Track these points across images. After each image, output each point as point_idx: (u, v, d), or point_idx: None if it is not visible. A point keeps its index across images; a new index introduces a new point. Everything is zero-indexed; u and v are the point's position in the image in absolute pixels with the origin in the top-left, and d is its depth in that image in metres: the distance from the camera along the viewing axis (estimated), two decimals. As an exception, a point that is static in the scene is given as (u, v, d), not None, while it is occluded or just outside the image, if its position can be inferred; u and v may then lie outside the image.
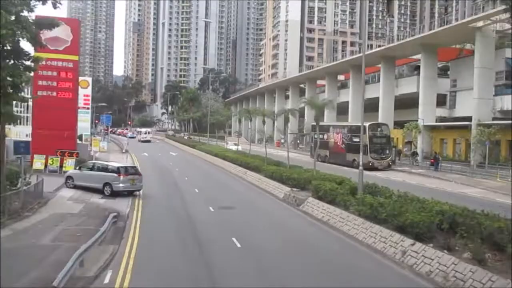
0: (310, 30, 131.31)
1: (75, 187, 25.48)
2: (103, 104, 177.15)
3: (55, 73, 33.56)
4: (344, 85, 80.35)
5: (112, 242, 14.74)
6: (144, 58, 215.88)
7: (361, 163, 19.46)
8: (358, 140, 42.19)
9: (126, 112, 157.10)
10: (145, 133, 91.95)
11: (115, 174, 24.48)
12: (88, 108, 67.21)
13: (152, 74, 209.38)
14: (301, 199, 21.63)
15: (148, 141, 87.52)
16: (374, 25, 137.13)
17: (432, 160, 40.16)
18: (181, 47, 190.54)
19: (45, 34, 35.61)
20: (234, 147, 55.20)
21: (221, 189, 28.78)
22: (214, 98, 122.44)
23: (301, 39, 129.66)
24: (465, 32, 45.38)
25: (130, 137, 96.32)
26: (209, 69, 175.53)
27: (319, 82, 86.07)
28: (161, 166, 43.39)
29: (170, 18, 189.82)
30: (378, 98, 62.44)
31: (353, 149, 42.56)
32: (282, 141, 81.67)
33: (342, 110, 67.44)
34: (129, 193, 24.51)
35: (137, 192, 25.05)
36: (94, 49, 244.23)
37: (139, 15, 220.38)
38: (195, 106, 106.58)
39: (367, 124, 41.40)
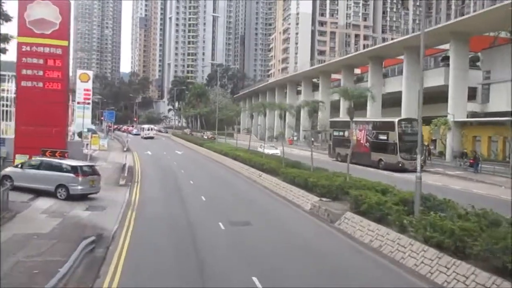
0: (322, 23, 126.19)
1: (15, 189, 19.85)
2: (104, 99, 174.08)
3: (41, 61, 29.00)
4: (360, 79, 75.40)
5: (80, 284, 10.21)
6: (151, 54, 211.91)
7: (418, 168, 14.64)
8: (384, 138, 37.49)
9: (133, 108, 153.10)
10: (148, 130, 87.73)
11: (71, 175, 20.35)
12: (88, 103, 62.97)
13: (159, 70, 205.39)
14: (336, 214, 16.91)
15: (151, 138, 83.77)
16: (388, 18, 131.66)
17: (472, 160, 35.23)
18: (189, 43, 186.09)
19: (30, 16, 31.45)
20: (272, 151, 43.95)
21: (233, 197, 24.20)
22: (222, 94, 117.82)
23: (313, 32, 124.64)
24: (501, 17, 40.22)
25: (135, 134, 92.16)
26: (217, 65, 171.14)
27: (334, 76, 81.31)
28: (164, 166, 38.90)
29: (178, 13, 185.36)
30: (399, 92, 57.74)
31: (379, 148, 37.85)
32: (295, 138, 76.95)
33: (358, 105, 62.34)
34: (84, 197, 20.60)
35: (95, 195, 21.32)
36: (101, 45, 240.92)
37: (146, 10, 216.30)
38: (202, 102, 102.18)
39: (396, 120, 36.65)
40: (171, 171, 35.30)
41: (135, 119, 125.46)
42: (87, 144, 53.26)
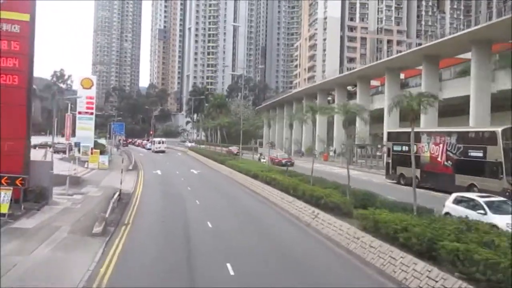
0: (351, 28, 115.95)
1: None
2: (121, 112, 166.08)
3: (-13, 43, 19.62)
4: (404, 85, 64.65)
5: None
6: (170, 66, 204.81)
7: None
8: (479, 154, 26.65)
9: (151, 122, 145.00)
10: (159, 143, 78.67)
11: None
12: (91, 114, 53.78)
13: (178, 83, 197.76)
14: None
15: (163, 152, 75.27)
16: (423, 22, 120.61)
17: None
18: (208, 53, 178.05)
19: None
20: None
21: (279, 262, 13.77)
22: (244, 105, 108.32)
23: (342, 38, 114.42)
24: None
25: (148, 149, 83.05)
26: (237, 76, 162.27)
27: (372, 83, 70.91)
28: (174, 193, 28.86)
29: (197, 23, 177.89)
30: (459, 98, 47.07)
31: (470, 168, 27.03)
32: (332, 153, 66.27)
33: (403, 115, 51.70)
34: None
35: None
36: (120, 58, 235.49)
37: (165, 21, 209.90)
38: (223, 113, 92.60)
39: (499, 130, 25.74)
40: (181, 202, 25.22)
41: (151, 132, 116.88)
42: (85, 162, 44.07)
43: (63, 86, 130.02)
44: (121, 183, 27.54)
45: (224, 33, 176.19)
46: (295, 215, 20.29)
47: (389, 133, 38.76)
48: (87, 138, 52.93)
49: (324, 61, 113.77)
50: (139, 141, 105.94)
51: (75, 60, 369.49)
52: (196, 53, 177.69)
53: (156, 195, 28.05)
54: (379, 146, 53.24)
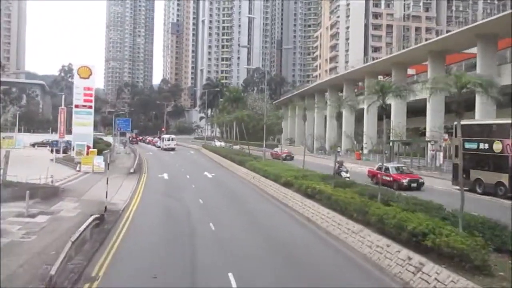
0: (376, 15, 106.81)
1: None
2: (132, 109, 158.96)
3: None
4: (448, 72, 55.83)
5: None
6: (183, 60, 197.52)
7: None
8: None
9: (164, 118, 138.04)
10: (169, 140, 71.38)
11: None
12: (90, 107, 46.32)
13: (192, 78, 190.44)
14: None
15: (172, 149, 68.33)
16: (454, 8, 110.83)
17: None
18: (223, 47, 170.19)
19: None
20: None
21: None
22: (261, 98, 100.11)
23: (366, 26, 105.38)
24: None
25: (159, 147, 75.66)
26: (253, 69, 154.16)
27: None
28: (180, 213, 20.69)
29: (211, 15, 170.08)
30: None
31: None
32: (366, 151, 57.81)
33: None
34: None
35: None
36: (133, 54, 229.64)
37: (178, 15, 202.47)
38: (239, 108, 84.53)
39: None
40: (189, 228, 17.20)
41: (162, 129, 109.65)
42: (78, 163, 36.60)
43: (71, 80, 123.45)
44: (106, 197, 19.79)
45: (239, 26, 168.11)
46: (376, 262, 12.10)
47: (463, 126, 30.27)
48: (85, 136, 45.49)
49: (347, 51, 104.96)
50: (149, 138, 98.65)
51: (88, 57, 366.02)
52: (210, 47, 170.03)
53: (155, 214, 20.19)
54: (432, 142, 44.72)
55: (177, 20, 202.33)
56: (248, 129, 71.36)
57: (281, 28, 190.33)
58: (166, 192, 26.43)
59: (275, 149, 55.98)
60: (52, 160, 41.21)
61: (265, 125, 44.64)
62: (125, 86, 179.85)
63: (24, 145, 63.67)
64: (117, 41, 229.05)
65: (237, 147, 54.94)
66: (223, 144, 51.08)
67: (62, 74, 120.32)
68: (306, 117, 35.05)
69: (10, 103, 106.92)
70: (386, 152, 50.65)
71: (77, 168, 34.70)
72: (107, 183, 20.55)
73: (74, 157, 39.23)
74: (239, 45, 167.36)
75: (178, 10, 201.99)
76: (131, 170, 35.67)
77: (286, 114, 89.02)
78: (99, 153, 50.80)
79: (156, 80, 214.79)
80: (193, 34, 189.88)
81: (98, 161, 35.16)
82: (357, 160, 52.09)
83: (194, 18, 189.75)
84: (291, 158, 49.93)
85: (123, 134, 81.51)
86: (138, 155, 52.62)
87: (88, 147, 41.92)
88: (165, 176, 34.59)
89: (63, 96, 48.33)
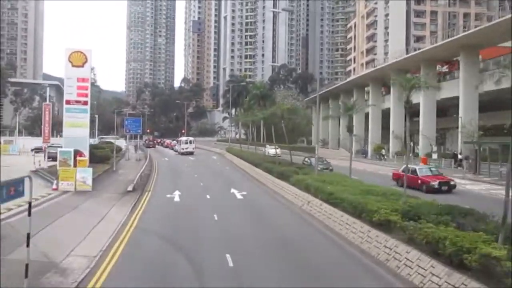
0: (419, 1, 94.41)
1: None
2: (151, 109, 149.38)
3: None
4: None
5: None
6: (205, 60, 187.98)
7: None
8: None
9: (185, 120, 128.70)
10: (186, 143, 61.64)
11: None
12: (85, 103, 36.35)
13: (214, 77, 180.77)
14: None
15: (191, 153, 59.61)
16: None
17: None
18: (246, 43, 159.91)
19: None
20: None
21: None
22: (292, 95, 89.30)
23: (407, 13, 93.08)
24: None
25: (176, 151, 65.77)
26: (279, 66, 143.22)
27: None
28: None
29: (233, 11, 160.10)
30: None
31: None
32: (435, 156, 45.95)
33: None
34: None
35: None
36: (154, 55, 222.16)
37: (199, 12, 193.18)
38: (266, 106, 73.70)
39: None
40: None
41: (182, 130, 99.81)
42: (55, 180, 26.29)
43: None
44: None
45: (263, 21, 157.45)
46: None
47: None
48: (79, 139, 35.56)
49: (386, 41, 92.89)
50: (167, 141, 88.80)
51: (108, 58, 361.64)
52: (233, 44, 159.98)
53: (156, 273, 9.77)
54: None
55: (199, 18, 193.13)
56: (276, 130, 60.36)
57: (307, 24, 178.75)
58: (168, 235, 15.59)
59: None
60: (34, 171, 31.41)
61: (318, 123, 33.57)
62: (145, 87, 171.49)
63: (24, 150, 54.67)
64: (138, 42, 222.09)
65: (273, 151, 43.92)
66: (279, 151, 39.59)
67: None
68: (354, 112, 23.82)
69: (21, 105, 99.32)
70: (468, 157, 38.94)
71: (54, 185, 24.50)
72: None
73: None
74: (263, 41, 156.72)
75: (199, 7, 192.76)
76: (129, 188, 25.15)
77: (315, 113, 77.76)
78: (101, 161, 41.10)
79: (178, 81, 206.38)
80: (215, 32, 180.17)
81: (84, 175, 24.85)
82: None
83: (216, 15, 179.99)
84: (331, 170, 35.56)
85: (141, 137, 72.00)
86: (147, 163, 42.40)
87: (80, 154, 31.76)
88: (176, 196, 23.92)
89: (47, 89, 38.04)
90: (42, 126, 36.64)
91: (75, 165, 28.64)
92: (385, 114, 64.39)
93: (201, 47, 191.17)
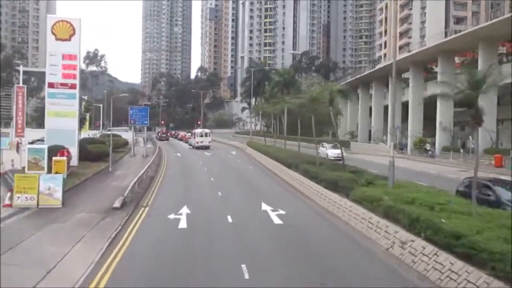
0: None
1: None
2: (166, 100, 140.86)
3: None
4: None
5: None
6: (222, 48, 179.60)
7: None
8: None
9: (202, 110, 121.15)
10: (201, 136, 53.97)
11: None
12: (73, 87, 28.57)
13: (232, 67, 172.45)
14: None
15: (206, 148, 52.08)
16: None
17: None
18: (265, 31, 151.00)
19: None
20: None
21: None
22: (319, 82, 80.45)
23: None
24: None
25: (191, 145, 58.10)
26: (300, 54, 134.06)
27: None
28: None
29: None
30: None
31: None
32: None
33: None
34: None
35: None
36: (171, 44, 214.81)
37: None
38: (290, 94, 65.22)
39: None
40: None
41: (198, 122, 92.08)
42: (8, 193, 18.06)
43: (96, 69, 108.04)
44: None
45: (283, 6, 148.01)
46: None
47: None
48: (65, 133, 28.12)
49: (423, 23, 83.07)
50: (182, 133, 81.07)
51: (124, 48, 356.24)
52: (251, 31, 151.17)
53: None
54: None
55: (216, 6, 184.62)
56: (304, 122, 51.63)
57: (328, 11, 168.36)
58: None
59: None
60: (3, 173, 23.89)
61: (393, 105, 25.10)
62: (160, 77, 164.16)
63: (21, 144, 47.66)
64: (154, 32, 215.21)
65: (334, 151, 34.95)
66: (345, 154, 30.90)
67: (87, 61, 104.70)
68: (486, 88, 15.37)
69: (29, 94, 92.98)
70: None
71: (6, 200, 16.77)
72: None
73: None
74: (283, 28, 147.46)
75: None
76: (116, 204, 17.25)
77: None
78: (99, 158, 33.49)
79: (194, 71, 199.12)
80: (233, 20, 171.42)
81: (51, 185, 17.03)
82: (497, 167, 31.51)
83: (233, 1, 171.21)
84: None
85: (149, 129, 64.59)
86: (154, 160, 34.58)
87: (62, 153, 24.08)
88: (183, 218, 15.87)
89: (21, 66, 30.23)
90: (14, 115, 28.86)
91: (50, 168, 21.03)
92: (425, 104, 56.03)
93: (218, 35, 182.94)
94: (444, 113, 50.94)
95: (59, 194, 17.14)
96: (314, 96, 25.94)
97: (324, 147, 39.13)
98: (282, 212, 17.00)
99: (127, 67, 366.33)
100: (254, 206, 18.39)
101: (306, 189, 21.11)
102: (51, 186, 17.10)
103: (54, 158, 21.32)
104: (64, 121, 27.95)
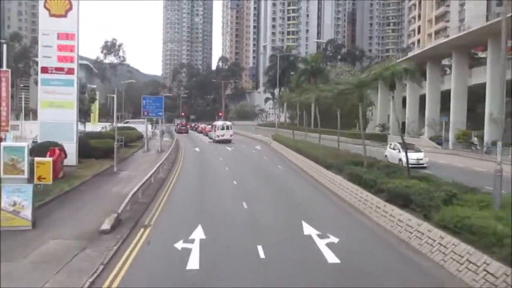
0: (505, -46, 76.52)
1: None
2: (186, 91, 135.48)
3: None
4: None
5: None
6: (244, 38, 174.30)
7: None
8: None
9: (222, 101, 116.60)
10: (222, 129, 49.54)
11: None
12: (69, 72, 23.94)
13: (253, 57, 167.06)
14: None
15: (228, 141, 47.80)
16: None
17: None
18: (289, 19, 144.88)
19: None
20: None
21: None
22: (349, 71, 74.59)
23: (489, -30, 75.55)
24: None
25: (211, 139, 53.59)
26: (325, 42, 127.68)
27: None
28: None
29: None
30: None
31: None
32: None
33: None
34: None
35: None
36: (191, 35, 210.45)
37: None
38: (318, 83, 59.63)
39: None
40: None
41: (220, 113, 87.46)
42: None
43: (114, 59, 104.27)
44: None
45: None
46: None
47: None
48: (61, 127, 23.78)
49: (462, 5, 75.98)
50: (202, 125, 76.56)
51: (144, 39, 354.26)
52: (274, 19, 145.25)
53: None
54: None
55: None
56: (330, 113, 45.94)
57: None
58: None
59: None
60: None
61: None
62: (181, 67, 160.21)
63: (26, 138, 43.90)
64: (174, 22, 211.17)
65: (414, 155, 26.61)
66: (422, 156, 24.52)
67: (105, 51, 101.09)
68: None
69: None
70: None
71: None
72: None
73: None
74: (307, 15, 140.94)
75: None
76: (104, 226, 12.56)
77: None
78: (106, 155, 29.11)
79: (216, 62, 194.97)
80: (255, 8, 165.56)
81: (17, 199, 12.33)
82: None
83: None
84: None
85: (170, 121, 60.28)
86: (169, 156, 29.94)
87: (53, 152, 19.64)
88: (195, 245, 11.07)
89: (4, 47, 25.89)
90: (-2, 106, 24.39)
91: (32, 172, 16.50)
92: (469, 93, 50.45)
93: (239, 24, 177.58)
94: (494, 103, 44.87)
95: (28, 212, 12.57)
96: (362, 79, 20.53)
97: (395, 148, 28.96)
98: (333, 239, 11.95)
99: (149, 59, 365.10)
100: (292, 227, 13.39)
101: (358, 201, 15.94)
102: (17, 201, 12.54)
103: (36, 159, 16.76)
104: (60, 113, 23.53)
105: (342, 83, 28.15)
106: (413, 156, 25.31)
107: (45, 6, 23.58)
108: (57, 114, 23.48)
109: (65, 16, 23.58)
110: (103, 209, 14.97)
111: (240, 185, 21.53)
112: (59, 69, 23.56)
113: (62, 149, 20.83)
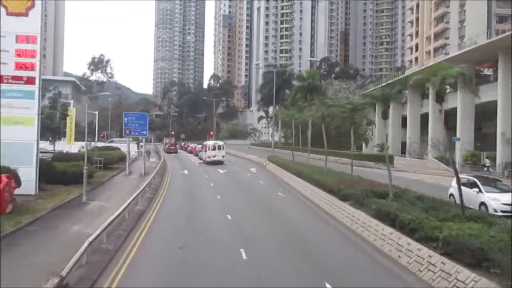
0: (504, -29, 74.78)
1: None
2: (177, 109, 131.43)
3: None
4: None
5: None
6: (236, 56, 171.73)
7: None
8: None
9: (214, 120, 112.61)
10: (214, 149, 45.36)
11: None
12: (30, 82, 19.67)
13: (246, 75, 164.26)
14: None
15: (220, 163, 43.45)
16: None
17: None
18: (281, 37, 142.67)
19: None
20: None
21: None
22: (347, 88, 71.31)
23: (489, -14, 73.68)
24: None
25: (201, 159, 49.43)
26: (319, 60, 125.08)
27: None
28: None
29: (267, 1, 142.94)
30: None
31: None
32: None
33: None
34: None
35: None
36: (183, 53, 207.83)
37: (230, 6, 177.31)
38: (315, 101, 56.11)
39: None
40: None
41: (211, 132, 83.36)
42: None
43: (102, 76, 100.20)
44: None
45: (301, 11, 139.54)
46: None
47: None
48: (18, 147, 19.50)
49: (461, 22, 73.57)
50: (192, 145, 72.29)
51: (135, 57, 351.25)
52: (266, 37, 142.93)
53: None
54: None
55: (229, 12, 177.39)
56: (329, 132, 42.01)
57: (346, 18, 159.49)
58: None
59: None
60: None
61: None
62: (171, 85, 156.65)
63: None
64: (166, 40, 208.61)
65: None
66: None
67: (92, 67, 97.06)
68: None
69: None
70: None
71: None
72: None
73: None
74: (300, 34, 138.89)
75: (230, 0, 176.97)
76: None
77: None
78: (77, 180, 24.78)
79: (207, 80, 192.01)
80: (247, 26, 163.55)
81: None
82: None
83: (248, 8, 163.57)
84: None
85: (159, 140, 56.01)
86: (152, 181, 25.67)
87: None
88: None
89: None
90: None
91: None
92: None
93: (232, 42, 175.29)
94: (504, 122, 41.76)
95: None
96: (387, 92, 16.65)
97: (470, 185, 17.87)
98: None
99: (141, 78, 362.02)
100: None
101: (397, 251, 11.78)
102: None
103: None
104: (17, 130, 19.27)
105: (355, 98, 24.21)
106: (505, 199, 16.10)
107: (2, 4, 19.59)
108: (13, 132, 19.22)
109: (25, 14, 19.56)
110: (48, 263, 10.67)
111: (236, 222, 17.23)
112: (16, 78, 19.37)
113: (11, 176, 16.54)
